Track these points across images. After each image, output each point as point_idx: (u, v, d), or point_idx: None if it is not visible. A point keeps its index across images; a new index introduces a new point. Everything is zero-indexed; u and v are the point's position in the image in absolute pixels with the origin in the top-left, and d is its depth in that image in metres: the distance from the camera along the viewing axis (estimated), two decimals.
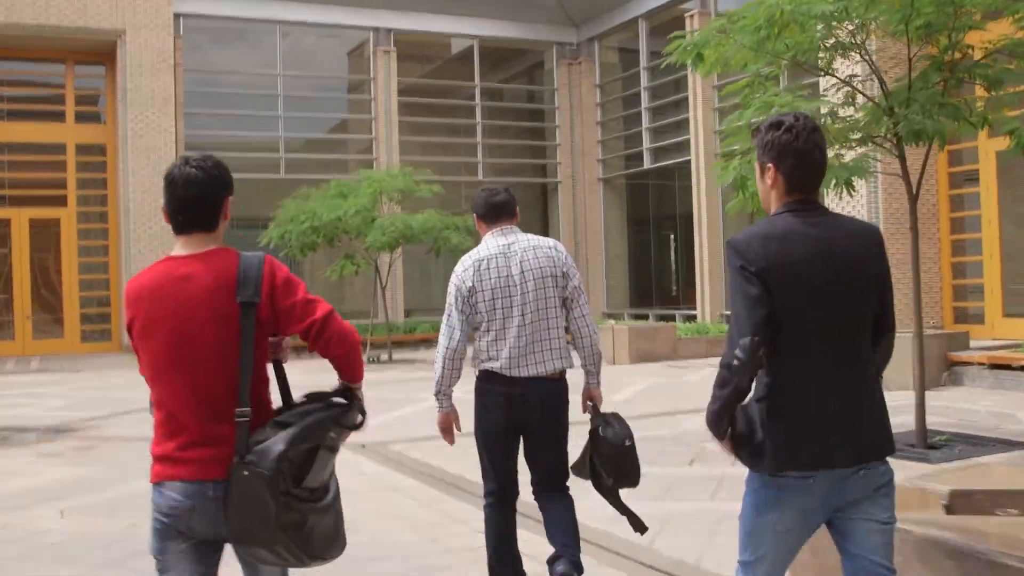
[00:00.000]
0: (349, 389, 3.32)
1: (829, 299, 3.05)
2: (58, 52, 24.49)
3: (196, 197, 3.22)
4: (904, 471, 7.54)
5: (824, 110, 8.98)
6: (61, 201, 24.79)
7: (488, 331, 4.82)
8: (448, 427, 5.01)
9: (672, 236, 28.05)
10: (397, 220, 18.54)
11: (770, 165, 3.18)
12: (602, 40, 28.93)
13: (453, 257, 20.53)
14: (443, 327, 4.91)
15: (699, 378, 14.68)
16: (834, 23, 8.35)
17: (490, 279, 4.79)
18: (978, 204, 18.19)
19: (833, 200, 18.93)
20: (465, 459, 8.73)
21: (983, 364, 12.42)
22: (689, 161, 24.56)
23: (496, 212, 4.97)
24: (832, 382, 3.06)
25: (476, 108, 28.35)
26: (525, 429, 4.87)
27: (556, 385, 4.87)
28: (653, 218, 28.78)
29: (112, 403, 14.20)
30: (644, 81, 26.91)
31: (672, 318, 25.37)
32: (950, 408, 10.94)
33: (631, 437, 4.81)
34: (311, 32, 26.91)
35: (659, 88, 26.83)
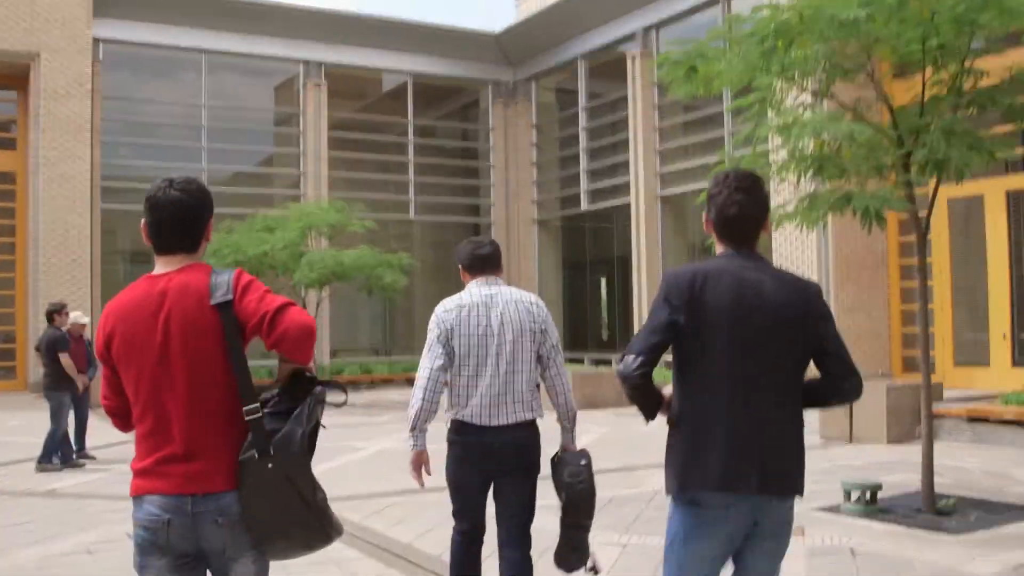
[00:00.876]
0: (305, 370, 3.33)
1: (748, 339, 3.25)
2: None
3: (179, 219, 3.25)
4: (932, 547, 6.82)
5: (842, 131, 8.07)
6: None
7: (460, 376, 4.85)
8: (419, 466, 4.88)
9: (609, 280, 27.36)
10: (327, 256, 17.47)
11: (707, 217, 3.46)
12: (539, 80, 28.31)
13: (384, 297, 19.57)
14: (424, 360, 4.85)
15: (649, 429, 13.79)
16: (848, 37, 7.56)
17: (470, 326, 4.85)
18: (930, 251, 17.74)
19: (782, 243, 18.40)
20: (412, 522, 7.78)
21: (961, 417, 11.68)
22: (628, 204, 23.92)
23: (481, 264, 5.07)
24: (743, 416, 3.23)
25: (408, 145, 27.49)
26: (497, 476, 4.92)
27: (527, 429, 4.91)
28: (589, 261, 28.07)
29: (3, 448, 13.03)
30: (582, 122, 26.31)
31: (608, 363, 24.61)
32: (938, 466, 10.20)
33: (588, 457, 4.93)
34: (238, 63, 25.83)
35: (598, 129, 26.23)
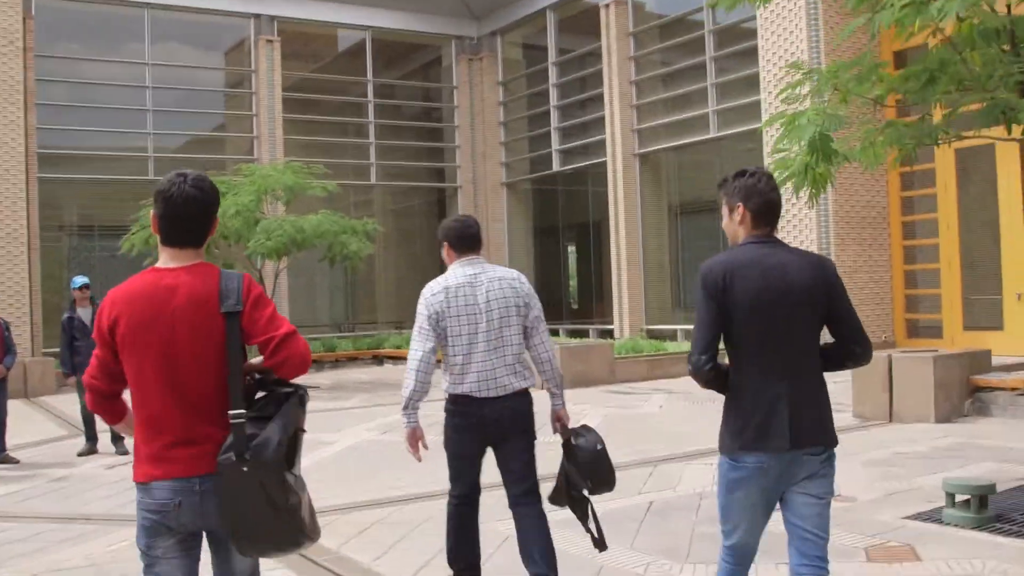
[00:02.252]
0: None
1: (777, 317, 3.68)
2: None
3: (192, 216, 3.37)
4: None
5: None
6: None
7: (455, 355, 5.04)
8: (415, 442, 5.09)
9: (584, 245, 25.98)
10: (286, 223, 15.78)
11: (739, 204, 3.83)
12: (505, 34, 26.77)
13: (347, 267, 18.00)
14: (414, 341, 5.04)
15: (657, 409, 12.48)
16: None
17: (458, 306, 5.02)
18: (934, 207, 16.51)
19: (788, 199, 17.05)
20: (402, 551, 6.27)
21: (1017, 391, 10.28)
22: (604, 163, 22.56)
23: (468, 243, 5.20)
24: (778, 384, 3.69)
25: (368, 106, 25.87)
26: (497, 442, 5.11)
27: (522, 397, 5.12)
28: (562, 225, 26.68)
29: None
30: (553, 77, 24.84)
31: (585, 333, 23.30)
32: (998, 449, 8.88)
33: (602, 442, 5.15)
34: (184, 18, 24.03)
35: (569, 85, 24.79)
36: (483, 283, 5.06)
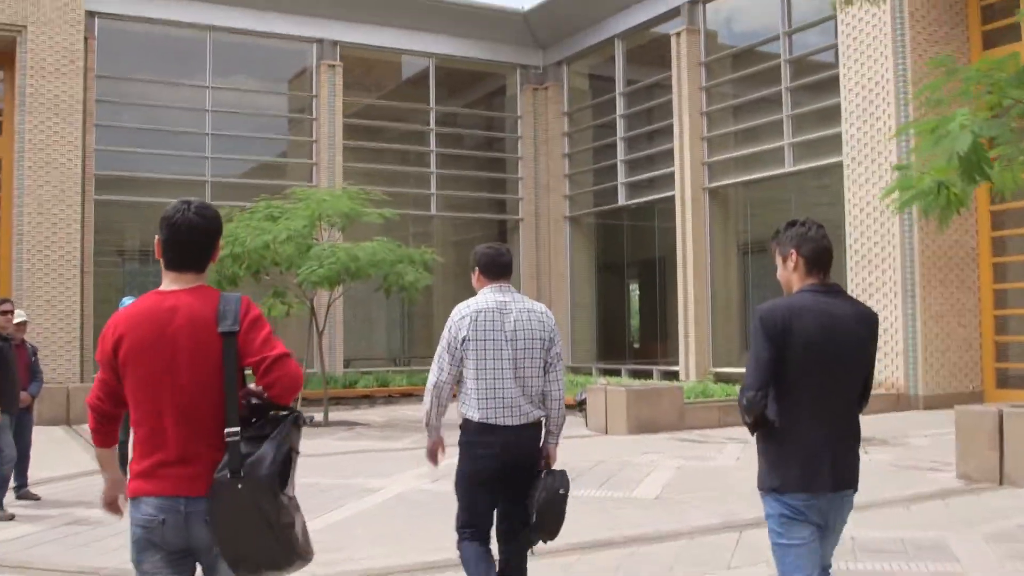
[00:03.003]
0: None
1: (830, 364, 3.86)
2: None
3: (194, 242, 3.50)
4: None
5: None
6: None
7: (477, 380, 5.02)
8: (435, 451, 5.22)
9: (649, 282, 25.08)
10: (339, 250, 15.08)
11: (791, 252, 4.00)
12: (571, 63, 26.10)
13: (405, 299, 17.26)
14: (433, 366, 5.07)
15: (734, 461, 11.43)
16: None
17: (484, 331, 5.02)
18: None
19: (859, 239, 16.10)
20: None
21: None
22: (672, 197, 21.73)
23: (500, 271, 5.25)
24: (826, 429, 3.87)
25: (430, 135, 25.29)
26: (512, 471, 5.06)
27: (537, 428, 5.15)
28: (627, 262, 25.80)
29: None
30: (620, 108, 24.08)
31: (648, 374, 22.37)
32: None
33: (567, 488, 5.08)
34: (246, 42, 23.67)
35: (637, 116, 24.02)
36: (512, 311, 5.10)
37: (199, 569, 3.50)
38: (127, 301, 10.47)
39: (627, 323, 25.86)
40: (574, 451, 12.65)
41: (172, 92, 22.98)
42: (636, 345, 25.55)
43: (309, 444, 13.46)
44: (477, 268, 5.26)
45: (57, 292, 19.81)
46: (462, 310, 5.08)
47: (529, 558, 5.23)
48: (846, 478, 3.91)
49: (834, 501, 3.88)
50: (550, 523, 5.03)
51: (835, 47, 17.64)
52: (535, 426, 5.11)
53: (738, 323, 21.42)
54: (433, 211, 25.14)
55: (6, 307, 9.41)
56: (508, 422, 4.99)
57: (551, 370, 5.17)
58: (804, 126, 19.33)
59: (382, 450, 13.16)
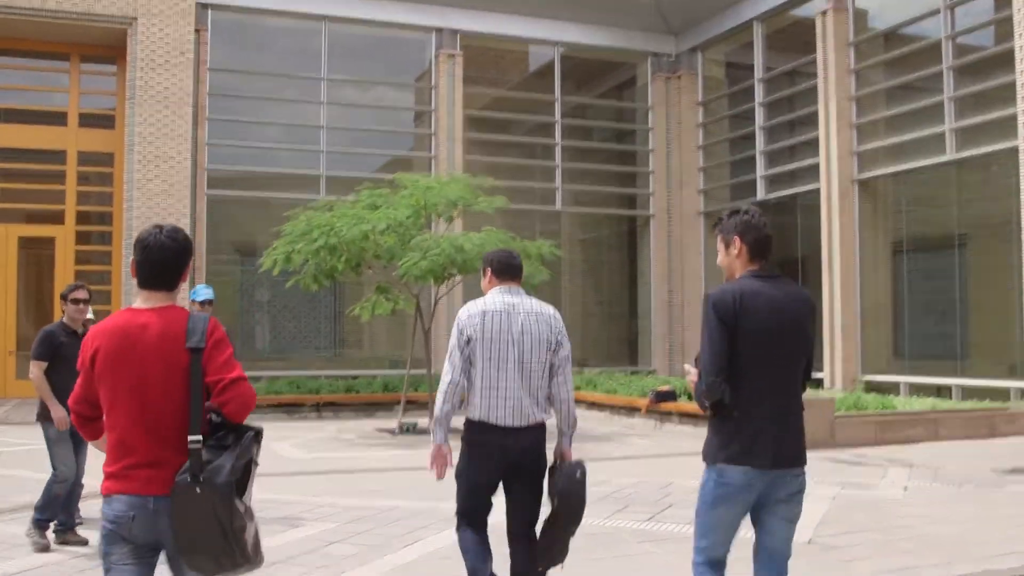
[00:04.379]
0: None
1: (777, 345, 4.04)
2: (61, 44, 20.66)
3: (165, 263, 3.73)
4: None
5: None
6: (57, 217, 20.83)
7: (482, 380, 5.06)
8: (441, 459, 5.16)
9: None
10: (444, 241, 13.75)
11: (735, 238, 4.20)
12: (705, 50, 24.38)
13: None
14: (446, 366, 5.14)
15: (901, 492, 9.53)
16: None
17: (491, 332, 5.09)
18: None
19: None
20: None
21: None
22: (817, 191, 19.87)
23: (511, 273, 5.33)
24: (771, 406, 4.05)
25: (555, 127, 23.89)
26: (513, 472, 5.14)
27: (539, 431, 5.17)
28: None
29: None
30: (759, 96, 22.26)
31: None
32: None
33: (584, 472, 5.15)
34: (362, 32, 22.70)
35: (777, 104, 22.16)
36: (520, 313, 5.15)
37: (161, 559, 3.70)
38: (200, 290, 9.41)
39: None
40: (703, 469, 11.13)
41: (286, 85, 22.15)
42: None
43: (407, 455, 12.38)
44: (489, 270, 5.35)
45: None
46: (471, 309, 5.16)
47: None
48: (790, 456, 4.06)
49: (777, 480, 4.02)
50: (574, 506, 5.09)
51: (1009, 18, 15.61)
52: (538, 428, 5.16)
53: (890, 328, 19.43)
54: (559, 207, 23.72)
55: (79, 293, 7.76)
56: (510, 423, 5.06)
57: (559, 372, 5.23)
58: (969, 109, 17.29)
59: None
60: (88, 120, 21.43)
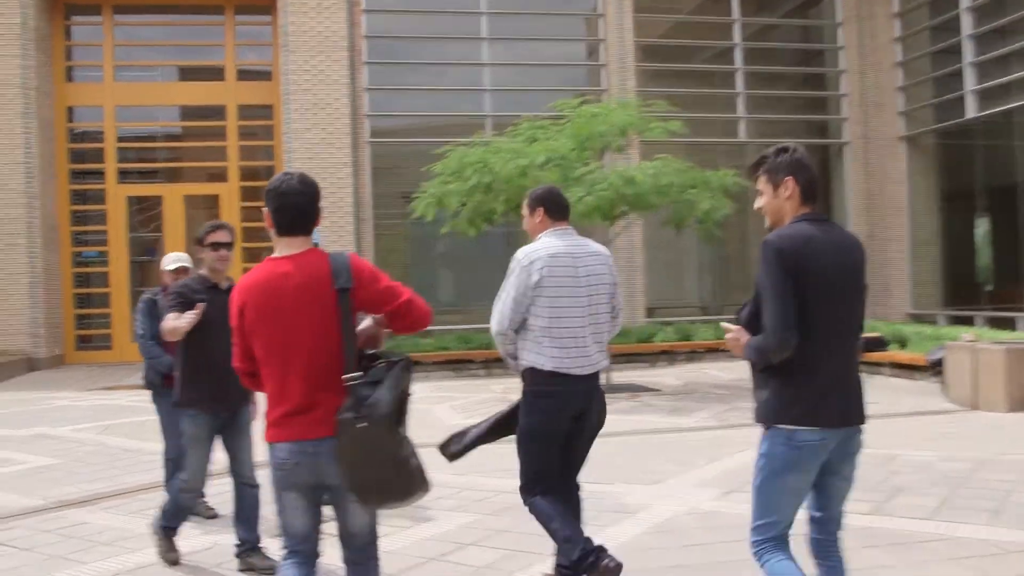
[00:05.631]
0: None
1: (840, 295, 3.74)
2: None
3: (300, 207, 3.79)
4: None
5: None
6: (220, 175, 20.32)
7: (551, 327, 4.80)
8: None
9: (1007, 213, 20.60)
10: (612, 174, 12.15)
11: (788, 178, 3.86)
12: None
13: (700, 233, 14.19)
14: (495, 313, 4.89)
15: None
16: None
17: (559, 276, 4.82)
18: None
19: None
20: None
21: None
22: None
23: (564, 211, 5.02)
24: (839, 359, 3.75)
25: (735, 51, 21.91)
26: (578, 422, 4.89)
27: (600, 376, 5.01)
28: (978, 188, 21.44)
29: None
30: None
31: (1009, 323, 18.16)
32: None
33: None
34: None
35: (988, 7, 19.53)
36: (583, 255, 4.93)
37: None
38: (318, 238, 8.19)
39: (979, 262, 21.53)
40: (934, 438, 9.25)
41: (445, 22, 20.88)
42: (990, 288, 21.21)
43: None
44: (541, 209, 4.98)
45: (328, 240, 18.27)
46: (532, 254, 4.84)
47: None
48: (857, 412, 3.82)
49: (848, 437, 3.78)
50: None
51: None
52: (599, 375, 4.99)
53: None
54: (743, 137, 21.80)
55: (219, 235, 5.83)
56: (581, 371, 4.84)
57: (616, 315, 5.08)
58: None
59: (665, 429, 10.33)
60: (246, 74, 20.83)
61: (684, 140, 14.44)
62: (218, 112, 20.35)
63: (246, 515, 5.84)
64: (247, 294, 3.75)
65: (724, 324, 4.01)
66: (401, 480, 3.62)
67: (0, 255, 18.29)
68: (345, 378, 3.60)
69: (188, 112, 21.14)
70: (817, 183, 3.90)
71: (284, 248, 3.78)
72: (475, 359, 16.58)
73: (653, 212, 13.35)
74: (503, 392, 13.30)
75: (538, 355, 4.82)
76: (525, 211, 5.06)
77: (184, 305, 5.61)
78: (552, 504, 4.84)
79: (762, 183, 3.94)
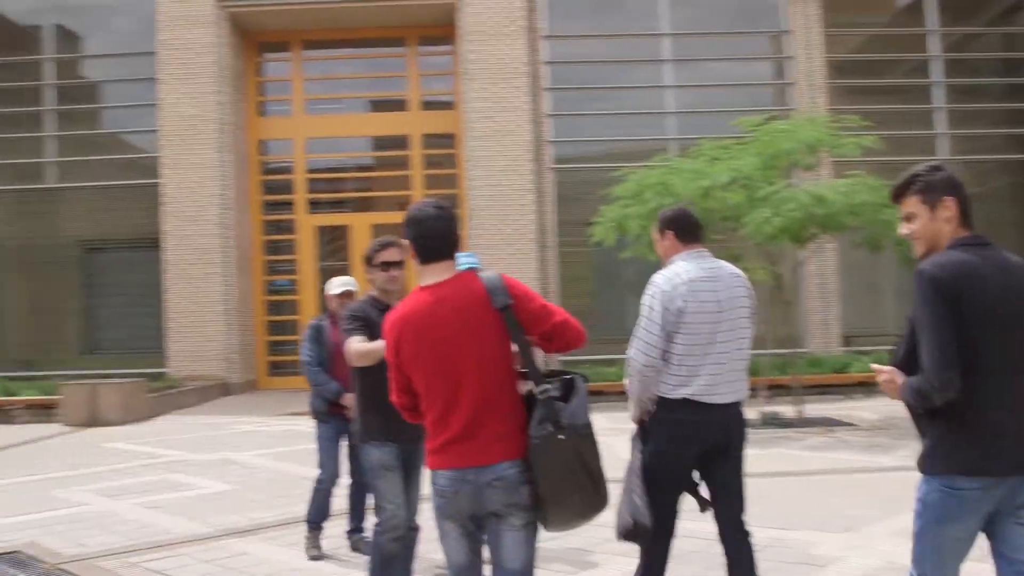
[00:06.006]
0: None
1: (1010, 328, 3.37)
2: (396, 28, 20.39)
3: (442, 234, 3.75)
4: None
5: None
6: (406, 204, 20.49)
7: (687, 355, 4.55)
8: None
9: None
10: (800, 193, 11.51)
11: (948, 198, 3.50)
12: None
13: (899, 256, 13.36)
14: (637, 343, 4.56)
15: None
16: None
17: (700, 303, 4.57)
18: None
19: None
20: None
21: None
22: None
23: (695, 233, 4.77)
24: (1009, 400, 3.36)
25: (932, 63, 20.80)
26: (714, 455, 4.61)
27: (742, 409, 4.75)
28: None
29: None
30: None
31: None
32: None
33: None
34: None
35: None
36: (722, 279, 4.68)
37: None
38: (465, 259, 7.92)
39: None
40: None
41: (625, 45, 20.55)
42: None
43: (762, 455, 9.89)
44: (671, 231, 4.73)
45: (511, 268, 18.16)
46: (674, 279, 4.58)
47: None
48: None
49: (1017, 484, 3.37)
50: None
51: None
52: (741, 404, 4.71)
53: None
54: (941, 155, 20.63)
55: (390, 254, 5.50)
56: (715, 400, 4.55)
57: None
58: None
59: (861, 469, 9.68)
60: (430, 104, 21.11)
61: (879, 159, 13.66)
62: (403, 142, 20.68)
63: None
64: (402, 327, 3.69)
65: (874, 366, 3.67)
66: (596, 496, 3.59)
67: (197, 284, 18.98)
68: (538, 390, 3.56)
69: (374, 143, 21.62)
70: (970, 202, 3.56)
71: (429, 276, 3.73)
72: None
73: (845, 233, 12.63)
74: None
75: (676, 383, 4.55)
76: (656, 235, 4.81)
77: (365, 327, 5.12)
78: (664, 554, 4.60)
79: (914, 204, 3.57)
